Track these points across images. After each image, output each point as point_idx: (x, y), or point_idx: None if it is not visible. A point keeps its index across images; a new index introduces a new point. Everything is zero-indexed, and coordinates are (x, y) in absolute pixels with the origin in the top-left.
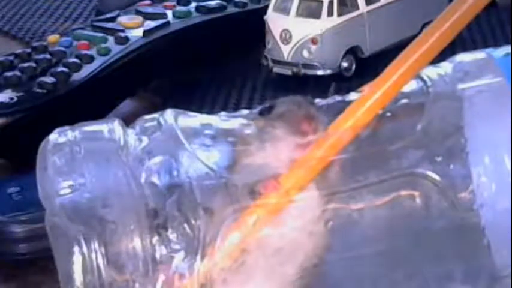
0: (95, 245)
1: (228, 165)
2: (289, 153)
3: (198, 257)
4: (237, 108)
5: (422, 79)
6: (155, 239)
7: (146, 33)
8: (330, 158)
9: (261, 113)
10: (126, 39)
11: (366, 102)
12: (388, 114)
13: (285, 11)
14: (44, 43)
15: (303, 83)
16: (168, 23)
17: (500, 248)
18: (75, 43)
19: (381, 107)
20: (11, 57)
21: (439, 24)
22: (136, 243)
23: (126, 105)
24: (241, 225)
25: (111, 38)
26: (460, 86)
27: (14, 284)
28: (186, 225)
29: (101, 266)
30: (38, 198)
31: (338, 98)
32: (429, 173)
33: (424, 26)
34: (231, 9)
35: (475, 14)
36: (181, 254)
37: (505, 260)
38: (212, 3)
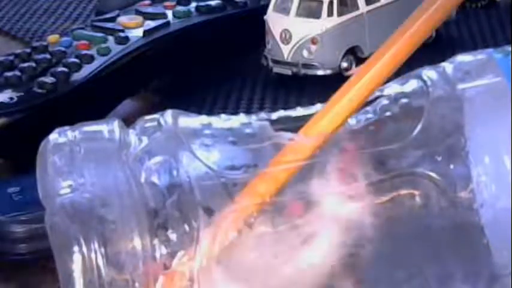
0: (95, 245)
1: (227, 165)
2: None
3: (198, 257)
4: (237, 108)
5: (422, 79)
6: (155, 239)
7: (146, 33)
8: (304, 161)
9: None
10: (126, 39)
11: (342, 99)
12: (388, 114)
13: (285, 11)
14: (44, 43)
15: (303, 83)
16: (168, 23)
17: (500, 247)
18: (75, 43)
19: (358, 106)
20: (11, 57)
21: (418, 15)
22: (136, 243)
23: (126, 105)
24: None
25: (111, 38)
26: (460, 86)
27: (14, 284)
28: (186, 225)
29: (101, 266)
30: (38, 198)
31: None
32: (429, 172)
33: None
34: (231, 9)
35: None
36: (181, 253)
37: (505, 259)
38: (212, 3)
